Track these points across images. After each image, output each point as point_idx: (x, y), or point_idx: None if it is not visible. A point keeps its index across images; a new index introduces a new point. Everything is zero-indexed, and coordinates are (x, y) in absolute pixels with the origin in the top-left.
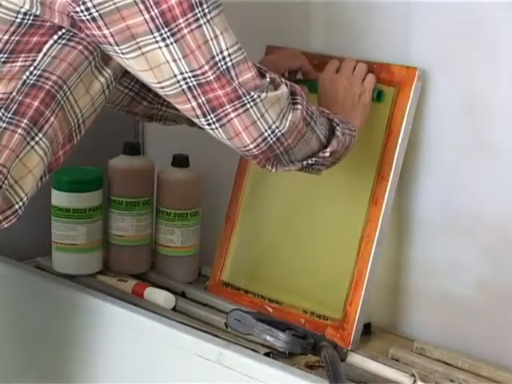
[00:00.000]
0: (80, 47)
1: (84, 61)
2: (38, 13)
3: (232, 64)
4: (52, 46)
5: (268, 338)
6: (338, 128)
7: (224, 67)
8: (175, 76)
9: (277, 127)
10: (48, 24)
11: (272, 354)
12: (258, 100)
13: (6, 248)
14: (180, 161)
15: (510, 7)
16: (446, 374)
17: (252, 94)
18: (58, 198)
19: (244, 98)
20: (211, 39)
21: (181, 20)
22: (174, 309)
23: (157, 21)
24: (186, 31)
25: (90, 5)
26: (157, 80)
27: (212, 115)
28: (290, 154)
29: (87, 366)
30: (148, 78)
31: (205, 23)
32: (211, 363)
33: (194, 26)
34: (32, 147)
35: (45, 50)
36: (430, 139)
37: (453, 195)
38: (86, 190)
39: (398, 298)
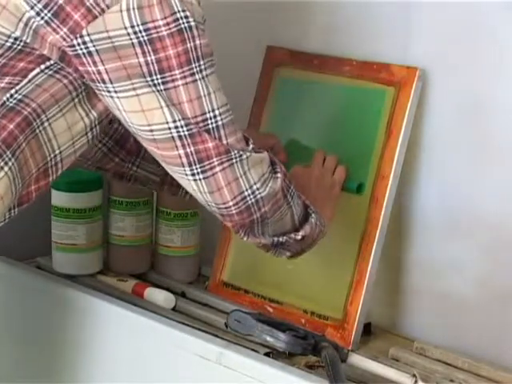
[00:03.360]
0: (65, 81)
1: (67, 95)
2: (28, 41)
3: (222, 124)
4: (38, 74)
5: (268, 338)
6: (313, 215)
7: (214, 125)
8: (167, 123)
9: (257, 188)
10: (37, 53)
11: (272, 354)
12: (244, 157)
13: (6, 248)
14: None
15: (510, 7)
16: (445, 374)
17: (240, 151)
18: (58, 198)
19: (232, 154)
20: (204, 96)
21: (176, 71)
22: (174, 309)
23: (151, 66)
24: (180, 83)
25: (87, 39)
26: (147, 122)
27: (198, 165)
28: (264, 225)
29: (87, 366)
30: (137, 120)
31: (200, 79)
32: (211, 363)
33: (189, 79)
34: (6, 173)
35: (30, 76)
36: (430, 139)
37: (453, 195)
38: (86, 190)
39: (398, 298)
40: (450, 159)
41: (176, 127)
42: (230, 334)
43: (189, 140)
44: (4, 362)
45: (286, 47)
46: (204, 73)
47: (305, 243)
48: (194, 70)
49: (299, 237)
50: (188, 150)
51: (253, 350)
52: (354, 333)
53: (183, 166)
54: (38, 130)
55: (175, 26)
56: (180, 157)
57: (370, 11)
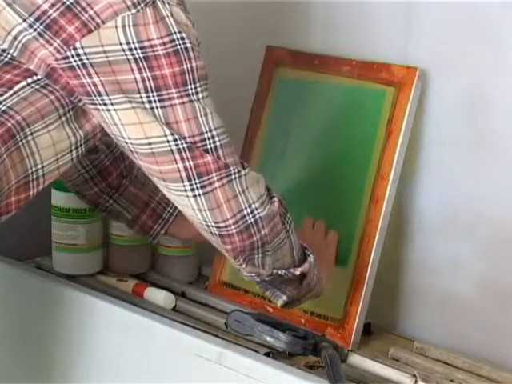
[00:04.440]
0: (52, 97)
1: (53, 111)
2: (15, 54)
3: (220, 144)
4: (24, 87)
5: (268, 338)
6: (311, 256)
7: (212, 145)
8: (165, 135)
9: (256, 208)
10: (24, 67)
11: (272, 354)
12: (243, 173)
13: (6, 248)
14: None
15: (510, 6)
16: (445, 374)
17: (238, 168)
18: (58, 198)
19: (231, 169)
20: (201, 116)
21: (173, 90)
22: (174, 309)
23: (147, 83)
24: (177, 102)
25: (81, 51)
26: (145, 135)
27: (197, 180)
28: (264, 252)
29: (87, 366)
30: (135, 133)
31: (196, 100)
32: (211, 363)
33: (185, 99)
34: None
35: (15, 89)
36: (430, 139)
37: (453, 195)
38: None
39: (398, 298)
40: (449, 159)
41: (175, 140)
42: (230, 334)
43: (188, 154)
44: (4, 362)
45: (286, 47)
46: (200, 95)
47: (302, 288)
48: (190, 91)
49: (298, 272)
50: (187, 163)
51: (253, 350)
52: (353, 333)
53: (182, 181)
54: (20, 143)
55: (172, 47)
56: (179, 170)
57: (370, 11)
